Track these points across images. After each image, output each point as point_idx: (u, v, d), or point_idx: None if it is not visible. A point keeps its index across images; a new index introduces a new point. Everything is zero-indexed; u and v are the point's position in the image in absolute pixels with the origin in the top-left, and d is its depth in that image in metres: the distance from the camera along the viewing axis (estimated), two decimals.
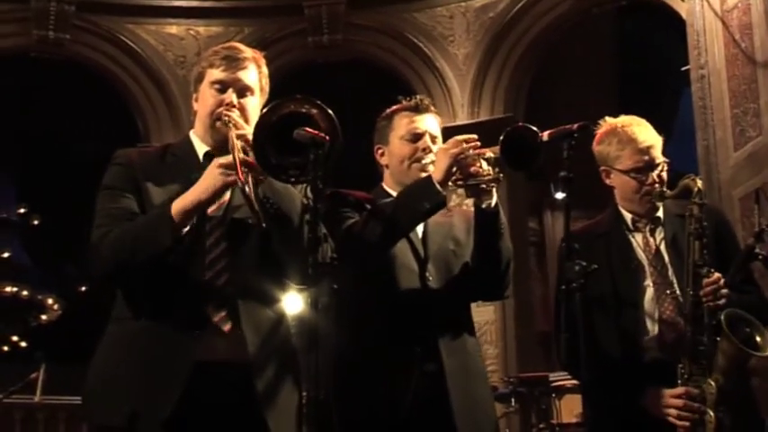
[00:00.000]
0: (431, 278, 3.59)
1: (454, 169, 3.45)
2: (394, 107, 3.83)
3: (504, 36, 10.35)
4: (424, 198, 3.45)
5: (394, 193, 3.71)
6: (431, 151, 3.68)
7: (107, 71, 10.94)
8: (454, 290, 3.63)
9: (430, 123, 3.77)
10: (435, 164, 3.52)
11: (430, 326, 3.54)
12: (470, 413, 3.52)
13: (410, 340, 3.50)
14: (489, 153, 3.46)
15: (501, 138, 3.37)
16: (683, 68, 8.71)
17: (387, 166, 3.81)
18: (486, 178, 3.46)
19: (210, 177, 3.00)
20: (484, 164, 3.45)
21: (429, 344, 3.51)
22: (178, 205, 2.99)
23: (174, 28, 10.84)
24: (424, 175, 3.60)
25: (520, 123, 3.48)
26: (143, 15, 10.80)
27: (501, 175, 3.47)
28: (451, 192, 3.64)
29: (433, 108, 3.84)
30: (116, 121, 11.55)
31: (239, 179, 2.85)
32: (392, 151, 3.76)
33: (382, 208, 3.53)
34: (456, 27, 10.49)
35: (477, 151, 3.46)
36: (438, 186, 3.43)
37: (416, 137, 3.72)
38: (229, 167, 2.93)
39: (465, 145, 3.46)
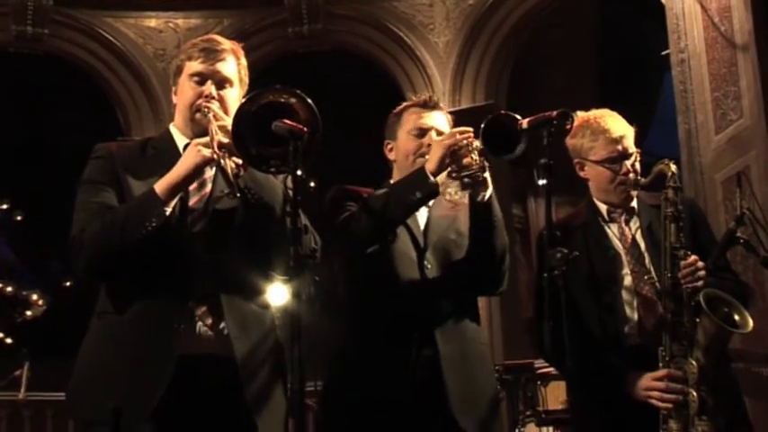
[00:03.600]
0: (429, 266, 3.61)
1: (447, 160, 3.47)
2: (404, 104, 3.89)
3: (484, 23, 10.34)
4: (416, 187, 3.47)
5: None
6: None
7: (87, 65, 10.88)
8: (453, 279, 3.64)
9: (438, 120, 3.80)
10: (430, 154, 3.54)
11: (427, 313, 3.55)
12: (467, 396, 3.53)
13: (407, 326, 3.51)
14: (477, 143, 3.48)
15: (482, 126, 3.38)
16: (664, 53, 8.72)
17: (394, 161, 3.85)
18: (475, 168, 3.48)
19: (190, 154, 3.03)
20: (477, 156, 3.46)
21: (425, 331, 3.52)
22: (161, 184, 3.02)
23: (153, 21, 10.79)
24: None
25: (501, 111, 3.48)
26: (122, 9, 10.74)
27: (486, 163, 3.48)
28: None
29: (441, 105, 3.90)
30: (97, 115, 11.52)
31: (216, 153, 2.86)
32: (399, 146, 3.81)
33: (375, 198, 3.55)
34: (436, 15, 10.48)
35: (471, 141, 3.47)
36: (430, 176, 3.45)
37: (422, 132, 3.75)
38: (207, 146, 2.96)
39: (459, 136, 3.47)
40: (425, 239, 3.66)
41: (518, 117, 3.39)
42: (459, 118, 3.88)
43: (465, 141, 3.47)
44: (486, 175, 3.50)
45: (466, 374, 3.56)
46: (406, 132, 3.78)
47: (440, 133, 3.75)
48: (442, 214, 3.71)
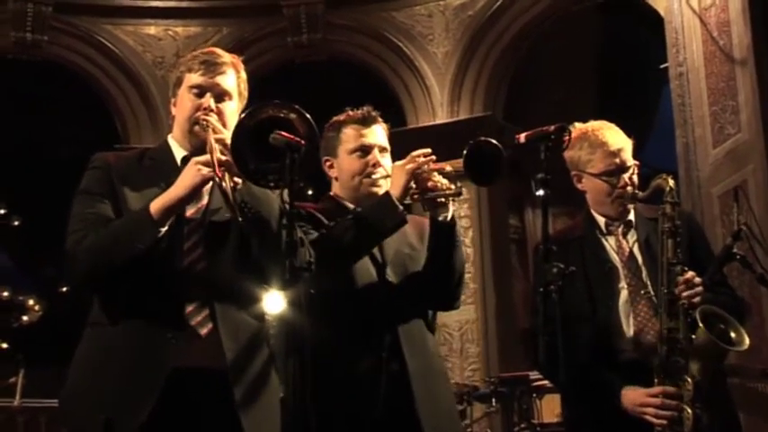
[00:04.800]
0: (391, 281, 3.61)
1: (412, 184, 3.47)
2: (341, 118, 3.81)
3: (484, 34, 10.34)
4: (385, 217, 3.47)
5: (346, 202, 3.74)
6: (381, 165, 3.70)
7: (85, 72, 10.87)
8: (413, 290, 3.64)
9: (378, 135, 3.76)
10: (392, 180, 3.53)
11: (392, 327, 3.55)
12: (435, 413, 3.53)
13: (374, 342, 3.51)
14: (448, 167, 3.49)
15: (464, 153, 3.38)
16: (662, 66, 8.73)
17: (336, 179, 3.81)
18: (446, 192, 3.48)
19: (189, 175, 3.01)
20: (441, 178, 3.46)
21: (392, 345, 3.52)
22: (157, 204, 3.00)
23: (152, 28, 10.79)
24: (375, 189, 3.65)
25: (481, 138, 3.48)
26: (121, 16, 10.74)
27: (462, 189, 3.49)
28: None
29: (380, 119, 3.81)
30: (95, 123, 11.50)
31: (216, 174, 2.86)
32: (341, 165, 3.76)
33: (343, 226, 3.52)
34: (435, 26, 10.48)
35: (434, 166, 3.48)
36: (398, 205, 3.45)
37: (366, 151, 3.72)
38: (207, 165, 2.95)
39: (422, 159, 3.48)
40: (382, 255, 3.65)
41: (497, 144, 3.40)
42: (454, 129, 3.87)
43: (427, 165, 3.47)
44: (453, 198, 3.51)
45: (430, 389, 3.56)
46: (348, 151, 3.74)
47: (383, 149, 3.74)
48: None
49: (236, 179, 2.95)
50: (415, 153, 3.53)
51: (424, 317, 3.71)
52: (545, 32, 10.57)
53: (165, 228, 3.02)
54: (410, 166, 3.47)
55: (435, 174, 3.48)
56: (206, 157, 2.98)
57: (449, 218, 3.56)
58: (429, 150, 3.52)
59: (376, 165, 3.69)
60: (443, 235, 3.59)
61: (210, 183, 3.10)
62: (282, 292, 2.83)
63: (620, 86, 12.29)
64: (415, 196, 3.52)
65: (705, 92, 7.93)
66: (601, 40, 12.24)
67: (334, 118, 3.83)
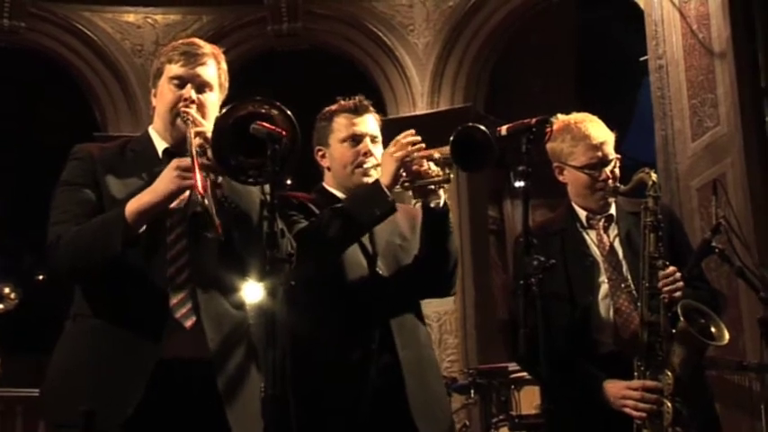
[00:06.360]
0: (381, 272, 3.61)
1: (401, 172, 3.46)
2: (332, 107, 3.81)
3: (464, 26, 10.32)
4: (374, 204, 3.46)
5: (337, 193, 3.73)
6: (372, 155, 3.69)
7: (63, 59, 10.78)
8: (405, 282, 3.64)
9: (370, 124, 3.76)
10: (382, 168, 3.53)
11: (383, 319, 3.55)
12: (426, 405, 3.54)
13: (365, 334, 3.51)
14: (437, 154, 3.48)
15: (451, 139, 3.37)
16: (642, 59, 8.75)
17: (328, 168, 3.80)
18: (435, 179, 3.48)
19: (167, 180, 2.97)
20: (431, 165, 3.46)
21: (384, 337, 3.52)
22: (132, 206, 2.97)
23: (131, 16, 10.70)
24: (366, 179, 3.63)
25: (469, 124, 3.46)
26: (99, 3, 10.63)
27: (451, 175, 3.48)
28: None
29: (372, 108, 3.82)
30: (74, 110, 11.44)
31: (198, 193, 2.83)
32: (333, 155, 3.76)
33: (333, 214, 3.51)
34: (415, 16, 10.45)
35: (423, 153, 3.46)
36: (387, 193, 3.44)
37: (357, 140, 3.71)
38: (187, 170, 2.92)
39: (410, 147, 3.47)
40: (373, 246, 3.65)
41: (484, 129, 3.38)
42: (433, 121, 3.87)
43: (416, 153, 3.46)
44: (443, 184, 3.51)
45: (423, 381, 3.57)
46: (339, 140, 3.73)
47: (373, 138, 3.73)
48: None
49: (219, 181, 2.95)
50: (400, 138, 3.51)
51: (415, 308, 3.72)
52: (526, 24, 10.57)
53: (140, 230, 3.00)
54: (399, 153, 3.46)
55: (424, 161, 3.47)
56: (186, 162, 2.95)
57: (441, 204, 3.56)
58: (414, 133, 3.51)
59: (367, 154, 3.69)
60: (438, 222, 3.59)
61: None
62: (261, 282, 2.82)
63: (600, 79, 12.31)
64: (406, 184, 3.51)
65: (684, 85, 7.95)
66: (581, 32, 12.27)
67: (326, 108, 3.82)
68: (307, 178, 3.85)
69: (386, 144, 3.70)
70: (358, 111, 3.76)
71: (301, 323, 3.34)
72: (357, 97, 3.81)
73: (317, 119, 3.81)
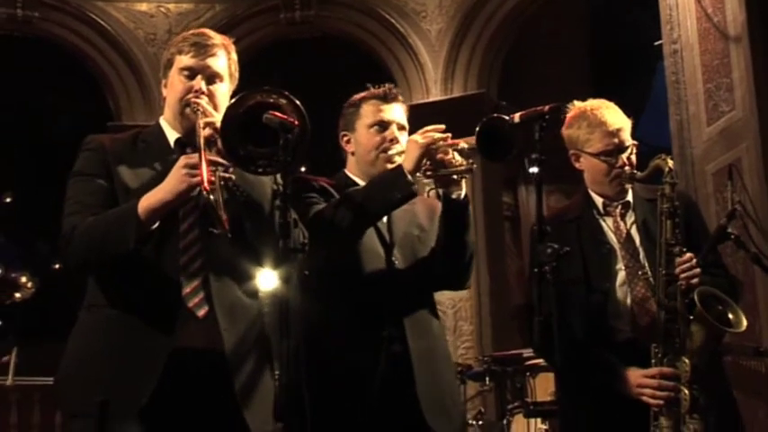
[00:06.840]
0: (397, 262, 3.60)
1: (425, 160, 3.44)
2: (362, 94, 3.82)
3: (477, 12, 10.29)
4: (395, 188, 3.45)
5: (358, 181, 3.73)
6: (398, 142, 3.69)
7: (77, 49, 10.80)
8: (420, 274, 3.64)
9: (397, 113, 3.76)
10: (406, 154, 3.51)
11: (396, 309, 3.55)
12: (436, 396, 3.53)
13: (377, 323, 3.50)
14: (463, 144, 3.46)
15: (477, 130, 3.36)
16: (657, 43, 8.70)
17: (352, 154, 3.81)
18: (459, 168, 3.46)
19: (176, 180, 2.97)
20: (455, 155, 3.45)
21: (395, 327, 3.52)
22: (144, 203, 2.97)
23: (144, 5, 10.71)
24: (389, 165, 3.62)
25: (494, 115, 3.45)
26: None
27: (474, 165, 3.47)
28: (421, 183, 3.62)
29: (400, 97, 3.83)
30: (87, 99, 11.47)
31: (204, 189, 2.83)
32: (359, 140, 3.76)
33: (352, 195, 3.51)
34: (428, 3, 10.42)
35: (449, 142, 3.46)
36: (409, 177, 3.43)
37: (384, 126, 3.71)
38: (194, 167, 2.92)
39: (436, 135, 3.45)
40: (391, 236, 3.65)
41: (506, 118, 3.37)
42: (448, 107, 3.87)
43: (442, 141, 3.45)
44: (466, 175, 3.49)
45: (434, 372, 3.56)
46: (366, 126, 3.74)
47: (401, 126, 3.73)
48: (401, 208, 3.64)
49: (228, 174, 2.95)
50: (429, 128, 3.51)
51: (429, 300, 3.71)
52: (539, 9, 10.52)
53: (153, 227, 3.00)
54: (424, 140, 3.45)
55: (449, 150, 3.47)
56: (194, 159, 2.95)
57: (462, 196, 3.56)
58: (443, 127, 3.50)
59: (393, 140, 3.69)
60: (457, 213, 3.59)
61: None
62: (276, 270, 2.81)
63: (614, 64, 12.27)
64: (428, 173, 3.50)
65: (699, 69, 7.90)
66: (595, 16, 12.22)
67: (355, 96, 3.83)
68: (322, 166, 3.85)
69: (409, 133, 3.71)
70: (387, 98, 3.76)
71: (314, 310, 3.34)
72: (387, 85, 3.83)
73: (344, 105, 3.83)
